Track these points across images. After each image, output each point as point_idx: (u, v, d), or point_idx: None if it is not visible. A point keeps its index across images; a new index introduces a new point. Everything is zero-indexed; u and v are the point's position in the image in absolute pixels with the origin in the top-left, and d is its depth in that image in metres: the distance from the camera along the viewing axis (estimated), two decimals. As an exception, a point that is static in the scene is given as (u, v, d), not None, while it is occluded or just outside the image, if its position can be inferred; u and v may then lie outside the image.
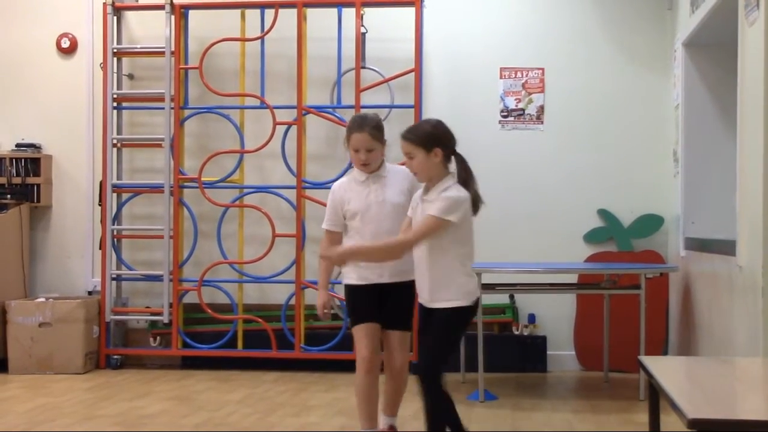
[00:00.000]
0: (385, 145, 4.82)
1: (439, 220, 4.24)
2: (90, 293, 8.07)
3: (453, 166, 4.46)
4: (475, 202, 4.40)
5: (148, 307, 7.99)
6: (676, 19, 7.50)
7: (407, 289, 4.72)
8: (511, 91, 7.94)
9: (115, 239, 7.92)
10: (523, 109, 7.94)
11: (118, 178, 8.00)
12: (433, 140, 4.36)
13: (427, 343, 4.38)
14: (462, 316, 4.36)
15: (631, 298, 6.79)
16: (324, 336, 7.65)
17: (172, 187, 7.74)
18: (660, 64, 7.79)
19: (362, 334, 4.81)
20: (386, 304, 4.84)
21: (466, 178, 4.38)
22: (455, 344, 4.56)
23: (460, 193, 4.32)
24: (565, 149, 7.89)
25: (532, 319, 7.81)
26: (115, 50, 7.95)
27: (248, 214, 7.85)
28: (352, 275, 4.89)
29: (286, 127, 7.66)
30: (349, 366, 7.52)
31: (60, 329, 7.44)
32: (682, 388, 3.21)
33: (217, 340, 7.73)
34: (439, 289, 4.36)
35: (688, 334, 6.94)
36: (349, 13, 7.65)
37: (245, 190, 7.87)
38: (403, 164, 4.62)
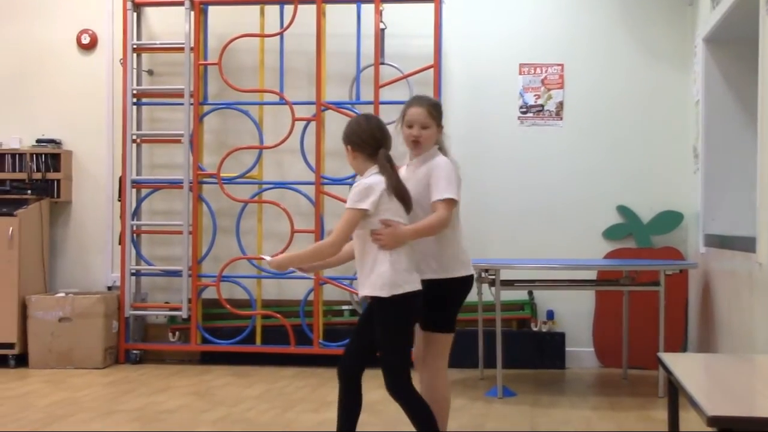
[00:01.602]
0: (441, 131, 4.54)
1: (352, 210, 4.19)
2: (109, 288, 8.11)
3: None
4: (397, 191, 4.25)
5: (167, 303, 8.02)
6: (696, 15, 7.47)
7: (432, 288, 4.55)
8: (530, 87, 7.92)
9: (135, 235, 7.95)
10: (542, 105, 7.92)
11: (138, 173, 8.03)
12: (347, 139, 4.35)
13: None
14: (384, 307, 4.20)
15: (651, 295, 6.76)
16: (343, 332, 7.66)
17: (191, 182, 7.76)
18: (680, 60, 7.75)
19: None
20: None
21: (383, 170, 4.25)
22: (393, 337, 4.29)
23: (368, 180, 4.23)
24: (584, 145, 7.87)
25: (550, 315, 7.79)
26: (134, 46, 7.98)
27: (267, 210, 7.86)
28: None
29: (305, 123, 7.67)
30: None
31: (80, 324, 7.48)
32: (702, 386, 3.20)
33: (235, 335, 7.75)
34: (362, 279, 4.29)
35: (707, 331, 6.91)
36: (368, 10, 7.65)
37: (264, 186, 7.88)
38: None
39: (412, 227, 4.29)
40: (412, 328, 4.32)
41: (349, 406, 4.38)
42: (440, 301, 4.42)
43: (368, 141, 4.30)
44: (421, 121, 4.46)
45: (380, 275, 4.19)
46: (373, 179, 4.22)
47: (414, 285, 4.22)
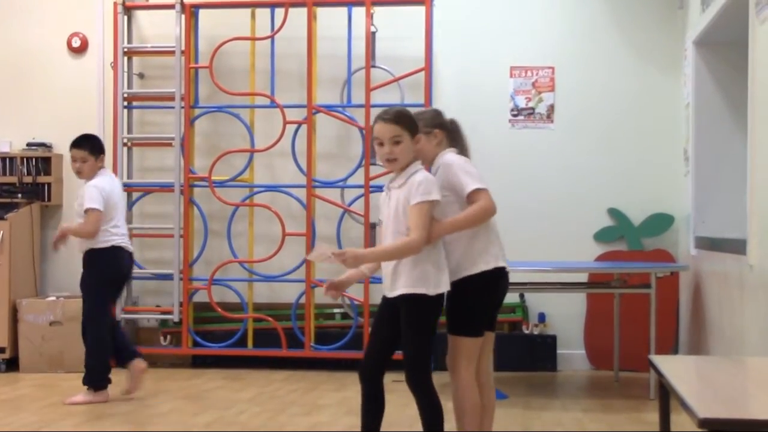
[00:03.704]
0: (434, 136, 4.49)
1: (424, 203, 4.16)
2: (101, 292, 8.08)
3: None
4: None
5: (158, 306, 8.01)
6: (686, 18, 7.49)
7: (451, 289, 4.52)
8: (521, 89, 7.93)
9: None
10: (533, 108, 7.93)
11: (129, 177, 8.02)
12: (415, 127, 4.33)
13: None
14: (422, 304, 4.19)
15: (642, 298, 6.77)
16: (334, 335, 7.66)
17: (182, 186, 7.75)
18: (670, 63, 7.77)
19: None
20: None
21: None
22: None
23: (423, 173, 4.28)
24: (575, 148, 7.88)
25: (542, 318, 7.80)
26: (125, 49, 7.97)
27: (258, 213, 7.85)
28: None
29: (296, 126, 7.67)
30: (359, 365, 7.53)
31: (71, 328, 7.44)
32: (693, 388, 3.21)
33: (227, 338, 7.74)
34: (397, 277, 4.24)
35: (698, 334, 6.93)
36: (359, 12, 7.65)
37: (255, 189, 7.88)
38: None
39: (451, 221, 4.29)
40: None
41: (374, 410, 4.30)
42: (453, 302, 4.38)
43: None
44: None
45: (424, 272, 4.15)
46: (426, 173, 4.25)
47: (447, 285, 4.24)
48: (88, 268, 6.39)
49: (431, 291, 4.15)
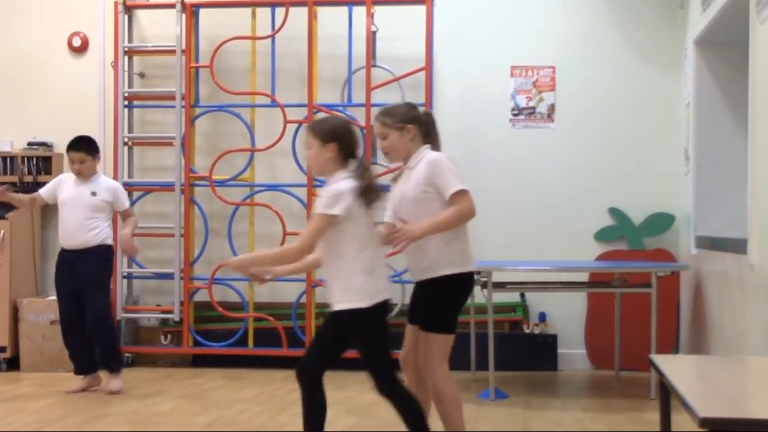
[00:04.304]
0: (407, 132, 4.53)
1: (322, 215, 4.13)
2: (101, 291, 8.09)
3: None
4: (373, 205, 4.23)
5: (158, 306, 8.01)
6: (687, 17, 7.48)
7: (424, 287, 4.53)
8: (522, 89, 7.93)
9: (126, 238, 7.94)
10: (533, 108, 7.93)
11: (129, 176, 8.02)
12: (331, 136, 4.24)
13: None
14: (362, 317, 4.20)
15: (642, 297, 6.77)
16: (334, 334, 7.65)
17: (183, 185, 7.75)
18: (671, 63, 7.77)
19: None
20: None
21: (365, 179, 4.22)
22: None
23: (340, 185, 4.18)
24: (575, 148, 7.88)
25: (542, 317, 7.80)
26: (126, 49, 7.98)
27: (259, 213, 7.85)
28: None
29: (296, 125, 7.66)
30: (359, 365, 7.53)
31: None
32: (694, 387, 3.21)
33: (227, 338, 7.75)
34: (333, 290, 4.26)
35: (699, 333, 6.93)
36: (359, 12, 7.65)
37: (256, 189, 7.88)
38: None
39: (439, 221, 4.33)
40: (388, 329, 4.29)
41: (315, 409, 4.36)
42: (424, 299, 4.48)
43: (353, 144, 4.28)
44: (378, 133, 4.55)
45: (356, 286, 4.16)
46: (346, 184, 4.17)
47: (388, 292, 4.25)
48: (102, 262, 6.73)
49: (365, 303, 4.16)
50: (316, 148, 4.24)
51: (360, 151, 4.34)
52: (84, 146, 6.73)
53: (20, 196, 6.81)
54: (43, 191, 6.81)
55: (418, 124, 4.57)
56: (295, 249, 4.19)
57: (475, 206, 4.46)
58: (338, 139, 4.23)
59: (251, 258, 4.51)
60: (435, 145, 4.61)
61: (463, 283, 4.51)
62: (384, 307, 4.23)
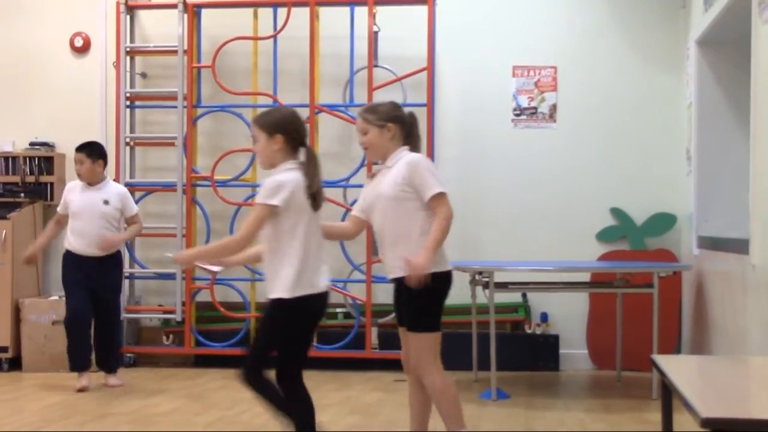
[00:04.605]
0: (387, 130, 4.53)
1: (262, 206, 4.15)
2: (103, 291, 8.10)
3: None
4: (314, 196, 4.24)
5: (160, 306, 8.02)
6: (689, 17, 7.48)
7: (402, 285, 4.51)
8: (524, 89, 7.93)
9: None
10: (535, 108, 7.93)
11: (131, 176, 8.03)
12: (276, 127, 4.26)
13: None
14: (281, 307, 4.20)
15: (644, 297, 6.77)
16: (337, 334, 7.66)
17: (184, 185, 7.76)
18: (673, 63, 7.77)
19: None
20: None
21: (309, 170, 4.25)
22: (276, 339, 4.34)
23: (282, 176, 4.20)
24: (577, 148, 7.88)
25: (544, 317, 7.80)
26: (128, 49, 7.98)
27: (261, 213, 7.84)
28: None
29: (298, 125, 7.65)
30: (361, 365, 7.55)
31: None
32: (695, 387, 3.21)
33: (229, 338, 7.74)
34: (269, 281, 4.26)
35: (701, 333, 6.93)
36: (361, 12, 7.65)
37: (258, 189, 7.86)
38: None
39: (432, 241, 4.37)
40: (298, 332, 4.30)
41: (294, 409, 4.33)
42: (406, 301, 4.50)
43: (300, 134, 4.30)
44: (359, 128, 4.60)
45: (282, 277, 4.17)
46: (287, 175, 4.19)
47: (315, 288, 4.22)
48: (120, 267, 7.07)
49: (287, 295, 4.16)
50: (263, 141, 4.28)
51: (307, 140, 4.37)
52: (86, 149, 6.84)
53: (47, 234, 7.04)
54: (59, 209, 6.98)
55: (400, 124, 4.58)
56: (236, 240, 4.25)
57: (451, 209, 4.49)
58: (284, 130, 4.26)
59: (196, 252, 4.57)
60: (415, 147, 4.63)
61: (442, 281, 4.51)
62: (308, 302, 4.21)
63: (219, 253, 4.32)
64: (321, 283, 4.25)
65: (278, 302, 4.17)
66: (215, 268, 4.43)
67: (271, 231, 4.19)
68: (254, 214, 4.19)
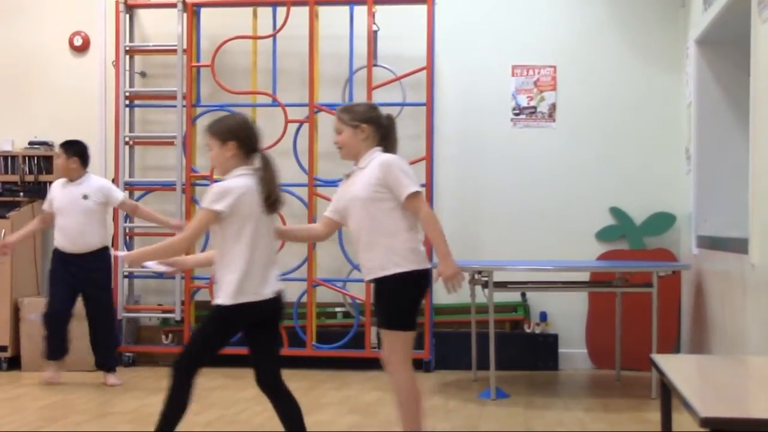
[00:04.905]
0: (361, 131, 4.54)
1: (206, 210, 4.20)
2: (102, 291, 8.10)
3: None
4: (271, 201, 4.27)
5: (160, 305, 8.01)
6: (688, 17, 7.48)
7: (379, 285, 4.55)
8: (523, 88, 7.93)
9: (128, 237, 7.94)
10: (535, 107, 7.93)
11: (130, 175, 8.02)
12: (229, 134, 4.30)
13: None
14: (221, 311, 4.31)
15: (643, 297, 6.77)
16: (336, 334, 7.66)
17: (184, 184, 7.76)
18: (672, 62, 7.77)
19: None
20: None
21: (265, 176, 4.29)
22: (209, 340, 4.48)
23: (231, 182, 4.24)
24: (576, 147, 7.88)
25: (543, 317, 7.80)
26: (127, 48, 7.98)
27: (260, 212, 7.84)
28: None
29: (297, 125, 7.67)
30: (360, 364, 7.54)
31: (72, 327, 7.44)
32: (695, 387, 3.21)
33: (228, 337, 7.73)
34: (216, 284, 4.34)
35: (700, 333, 6.93)
36: (360, 11, 7.64)
37: (257, 188, 7.87)
38: None
39: (441, 248, 4.42)
40: (232, 336, 4.46)
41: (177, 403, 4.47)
42: (380, 298, 4.54)
43: (253, 140, 4.33)
44: (334, 127, 4.62)
45: (226, 283, 4.25)
46: (236, 182, 4.23)
47: (259, 296, 4.27)
48: (106, 264, 6.96)
49: (229, 301, 4.24)
50: (216, 148, 4.33)
51: (261, 146, 4.39)
52: (63, 145, 6.96)
53: (27, 228, 7.07)
54: (44, 206, 7.04)
55: (375, 126, 4.58)
56: (179, 241, 4.41)
57: (428, 206, 4.58)
58: (236, 137, 4.30)
59: (143, 251, 4.55)
60: (391, 150, 4.61)
61: (416, 280, 4.50)
62: (250, 309, 4.28)
63: (165, 253, 4.39)
64: (266, 290, 4.27)
65: (220, 308, 4.26)
66: (163, 268, 4.51)
67: (218, 237, 4.26)
68: (197, 218, 4.30)
